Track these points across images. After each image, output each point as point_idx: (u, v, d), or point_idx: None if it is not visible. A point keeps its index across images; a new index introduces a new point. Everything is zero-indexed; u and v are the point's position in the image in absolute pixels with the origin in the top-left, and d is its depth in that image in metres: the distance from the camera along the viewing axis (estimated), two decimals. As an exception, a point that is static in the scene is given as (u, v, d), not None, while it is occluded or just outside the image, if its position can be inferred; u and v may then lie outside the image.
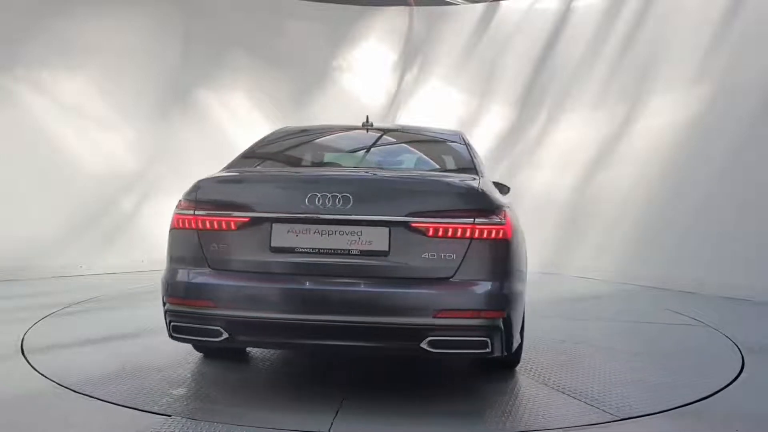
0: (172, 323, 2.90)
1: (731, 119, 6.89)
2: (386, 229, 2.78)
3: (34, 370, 3.35)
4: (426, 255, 2.76)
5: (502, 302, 2.76)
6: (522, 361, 3.62)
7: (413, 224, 2.76)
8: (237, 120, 8.49)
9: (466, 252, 2.75)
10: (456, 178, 3.21)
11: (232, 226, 2.86)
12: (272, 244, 2.81)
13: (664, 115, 7.49)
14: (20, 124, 7.15)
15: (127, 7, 8.10)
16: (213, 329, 2.80)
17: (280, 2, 9.39)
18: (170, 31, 8.39)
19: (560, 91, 8.64)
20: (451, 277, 2.74)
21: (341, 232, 2.79)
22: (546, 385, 3.36)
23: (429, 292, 2.74)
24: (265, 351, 3.81)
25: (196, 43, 8.55)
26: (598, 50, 8.32)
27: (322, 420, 2.72)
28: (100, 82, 7.76)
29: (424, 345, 2.68)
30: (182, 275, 2.90)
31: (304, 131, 4.19)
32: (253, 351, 3.83)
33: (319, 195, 2.79)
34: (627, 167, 7.71)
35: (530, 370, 3.60)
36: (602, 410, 2.96)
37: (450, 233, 2.75)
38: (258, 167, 3.56)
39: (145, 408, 2.82)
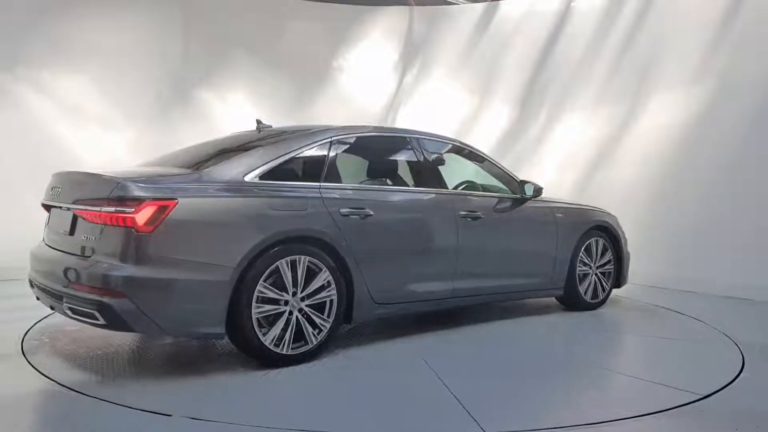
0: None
1: (731, 119, 6.89)
2: (71, 214, 3.44)
3: (34, 370, 3.35)
4: (83, 236, 3.34)
5: (120, 284, 3.09)
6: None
7: (75, 210, 3.41)
8: (237, 120, 8.48)
9: (99, 236, 3.23)
10: (131, 172, 3.52)
11: (46, 210, 3.85)
12: (48, 223, 3.79)
13: (664, 114, 7.49)
14: (20, 123, 7.15)
15: (128, 7, 8.10)
16: (30, 281, 3.74)
17: (280, 2, 9.39)
18: (170, 30, 8.39)
19: (560, 90, 8.64)
20: (90, 256, 3.26)
21: (62, 216, 3.57)
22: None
23: (71, 266, 3.29)
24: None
25: (196, 42, 8.56)
26: (598, 50, 8.32)
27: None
28: (100, 82, 7.76)
29: (66, 309, 3.30)
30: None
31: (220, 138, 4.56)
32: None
33: (52, 187, 3.69)
34: (627, 167, 7.70)
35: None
36: (602, 409, 2.97)
37: (91, 219, 3.28)
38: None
39: (146, 407, 2.82)
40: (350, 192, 3.94)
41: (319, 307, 3.63)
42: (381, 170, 4.58)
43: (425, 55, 9.87)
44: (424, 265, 4.23)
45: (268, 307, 3.42)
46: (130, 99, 7.91)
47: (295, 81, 9.18)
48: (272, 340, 3.42)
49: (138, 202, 3.13)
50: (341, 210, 3.76)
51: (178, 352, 3.83)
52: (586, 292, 5.31)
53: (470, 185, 4.94)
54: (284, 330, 3.47)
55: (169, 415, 2.74)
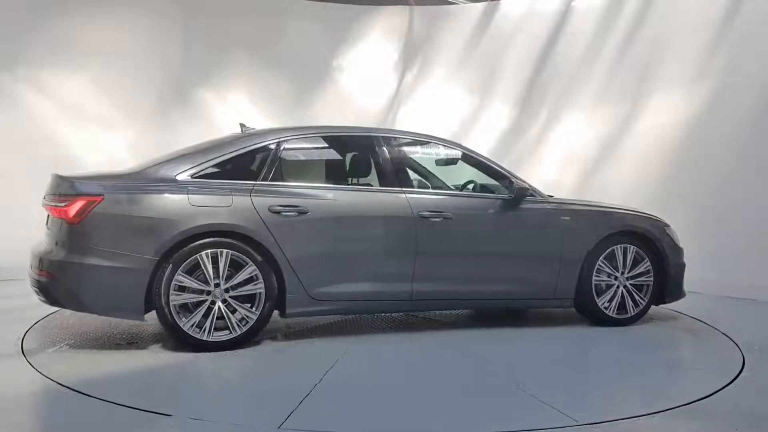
0: None
1: (732, 119, 6.89)
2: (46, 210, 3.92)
3: (34, 370, 3.35)
4: (47, 227, 3.87)
5: (53, 267, 3.63)
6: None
7: (44, 205, 3.86)
8: (237, 120, 8.49)
9: (51, 226, 3.78)
10: (85, 173, 4.00)
11: None
12: None
13: (665, 114, 7.48)
14: (20, 123, 7.15)
15: (127, 7, 8.10)
16: None
17: (280, 2, 9.39)
18: (170, 30, 8.40)
19: (561, 90, 8.63)
20: (44, 242, 3.84)
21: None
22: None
23: (35, 252, 3.83)
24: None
25: (196, 42, 8.55)
26: (598, 50, 8.32)
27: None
28: (100, 82, 7.76)
29: (30, 287, 3.82)
30: None
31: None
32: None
33: (47, 185, 3.91)
34: (627, 167, 7.70)
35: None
36: (604, 409, 2.96)
37: (50, 212, 3.80)
38: None
39: (146, 407, 2.82)
40: (285, 190, 4.00)
41: (249, 299, 3.79)
42: (334, 170, 4.59)
43: (425, 55, 9.87)
44: (371, 264, 4.14)
45: (186, 295, 3.69)
46: (130, 99, 7.92)
47: (295, 81, 9.18)
48: (191, 327, 3.67)
49: (72, 197, 3.62)
50: (270, 207, 3.85)
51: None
52: (608, 306, 4.67)
53: (475, 186, 4.86)
54: (205, 318, 3.68)
55: (169, 415, 2.74)
